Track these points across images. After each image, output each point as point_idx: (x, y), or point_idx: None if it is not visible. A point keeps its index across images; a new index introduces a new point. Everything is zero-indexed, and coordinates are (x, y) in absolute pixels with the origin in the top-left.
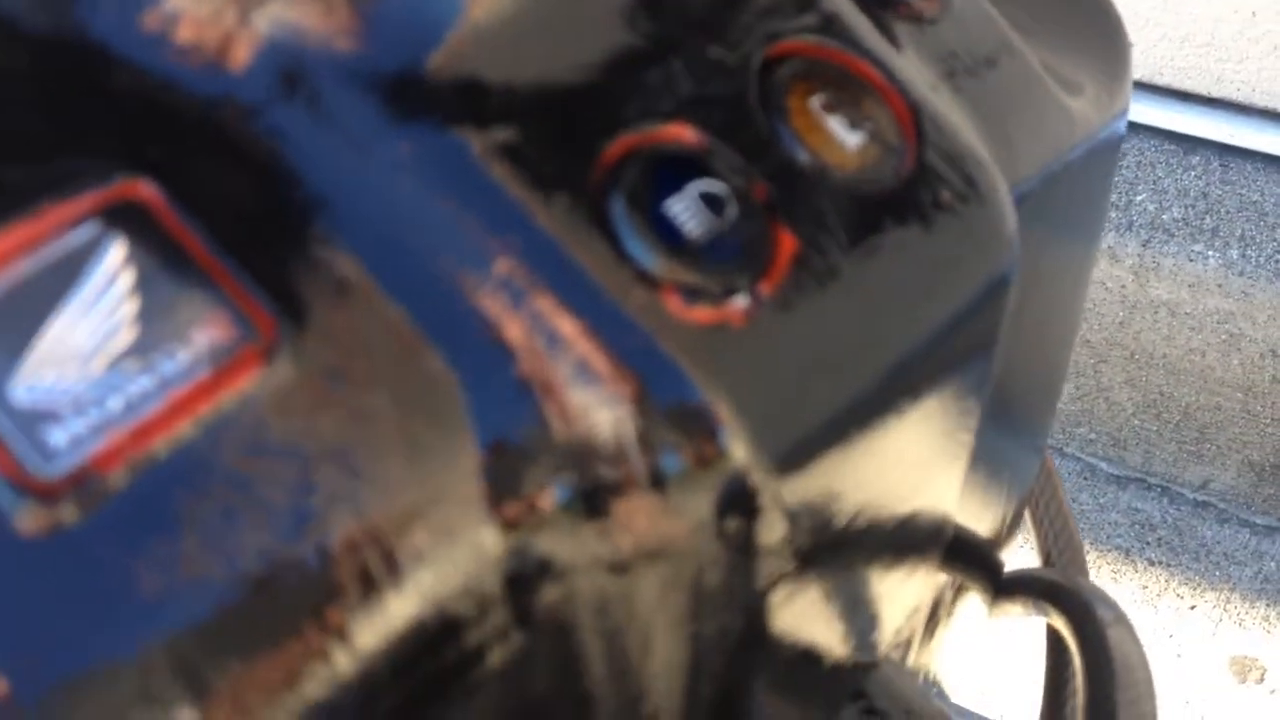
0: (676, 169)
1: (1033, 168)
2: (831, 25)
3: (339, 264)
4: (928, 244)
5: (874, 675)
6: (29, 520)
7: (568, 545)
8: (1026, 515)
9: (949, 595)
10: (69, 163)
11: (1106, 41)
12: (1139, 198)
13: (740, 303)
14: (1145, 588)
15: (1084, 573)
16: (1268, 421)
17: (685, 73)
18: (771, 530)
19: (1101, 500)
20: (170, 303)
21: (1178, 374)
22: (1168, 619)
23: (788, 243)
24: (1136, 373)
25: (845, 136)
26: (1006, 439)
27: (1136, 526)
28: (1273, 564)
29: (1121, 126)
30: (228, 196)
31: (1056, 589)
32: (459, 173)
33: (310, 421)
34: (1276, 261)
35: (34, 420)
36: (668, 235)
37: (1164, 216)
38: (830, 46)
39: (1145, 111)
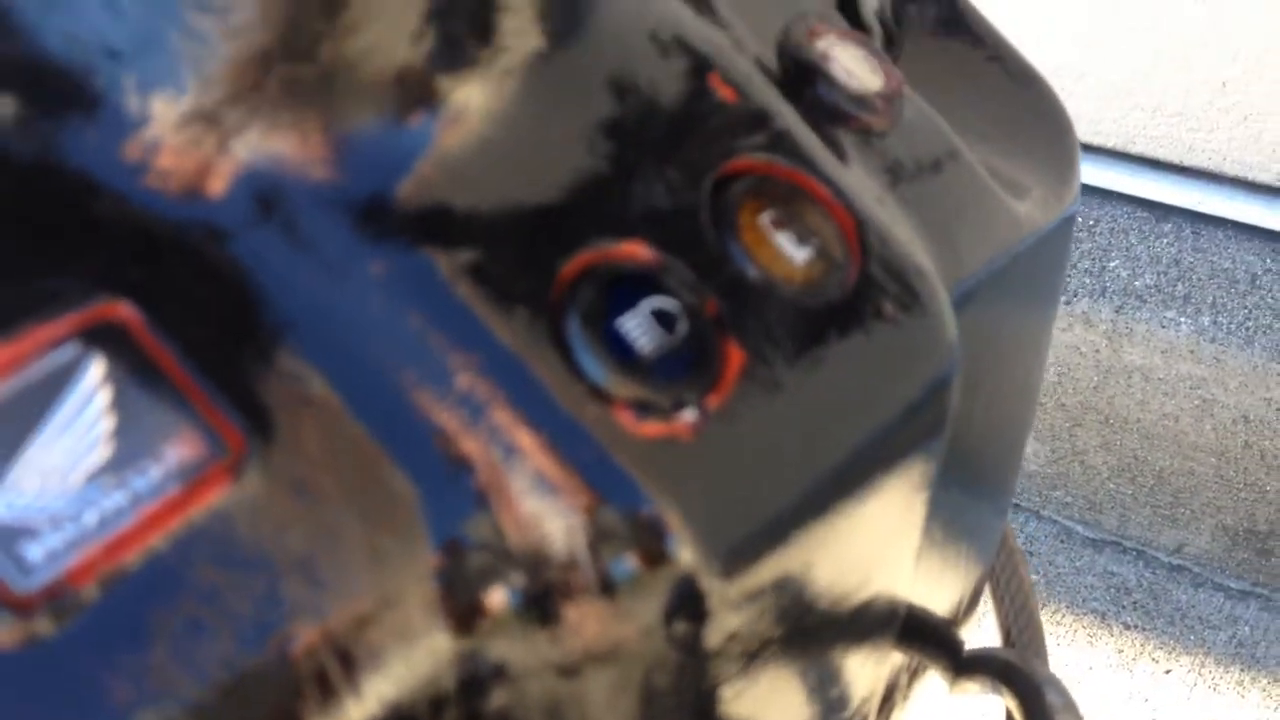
0: (631, 285)
1: (976, 265)
2: (781, 143)
3: (307, 381)
4: (870, 353)
5: None
6: (4, 633)
7: (519, 648)
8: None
9: (904, 677)
10: (51, 284)
11: (1056, 143)
12: (1112, 264)
13: (689, 416)
14: (1121, 651)
15: (1042, 652)
16: (1240, 487)
17: (642, 192)
18: (720, 632)
19: (1077, 563)
20: (144, 420)
21: (1152, 439)
22: (1143, 683)
23: (735, 356)
24: (1111, 437)
25: (793, 252)
26: (968, 506)
27: (1112, 590)
28: (1247, 628)
29: (1073, 213)
30: (203, 316)
31: (1010, 670)
32: (426, 292)
33: (276, 534)
34: (1247, 328)
35: (12, 536)
36: (621, 351)
37: (1137, 283)
38: (779, 164)
39: (1118, 179)
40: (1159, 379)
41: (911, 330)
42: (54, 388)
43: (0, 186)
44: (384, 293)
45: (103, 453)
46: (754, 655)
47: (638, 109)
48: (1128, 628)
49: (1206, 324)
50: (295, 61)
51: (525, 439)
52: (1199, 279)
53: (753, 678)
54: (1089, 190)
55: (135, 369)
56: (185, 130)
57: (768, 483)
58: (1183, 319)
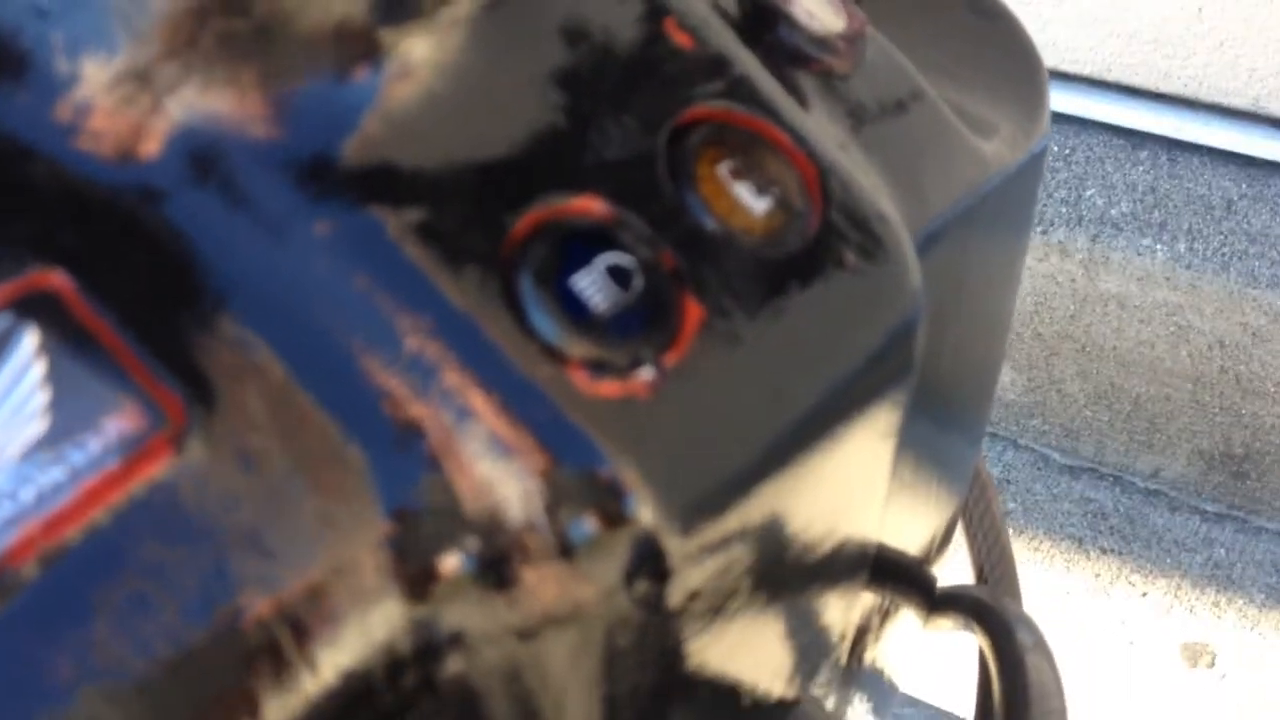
0: (585, 241)
1: (942, 206)
2: (739, 89)
3: (249, 348)
4: (832, 302)
5: (795, 712)
6: None
7: (475, 614)
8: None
9: (876, 618)
10: None
11: (1024, 78)
12: (1088, 193)
13: (645, 375)
14: (1098, 575)
15: (1015, 590)
16: (1216, 411)
17: (595, 144)
18: (683, 589)
19: (1055, 490)
20: (81, 392)
21: (1128, 366)
22: (1120, 606)
23: (693, 312)
24: (1087, 365)
25: (752, 203)
26: (940, 442)
27: (1089, 515)
28: (1222, 550)
29: (1043, 149)
30: (139, 283)
31: (981, 609)
32: (373, 252)
33: (221, 505)
34: (1223, 255)
35: None
36: (575, 309)
37: (1112, 211)
38: (738, 111)
39: (1093, 107)
40: (1135, 306)
41: (874, 278)
42: None
43: None
44: (329, 253)
45: (39, 427)
46: (719, 609)
47: (590, 57)
48: (1104, 552)
49: (1182, 250)
50: (230, 15)
51: (477, 401)
52: (1175, 206)
53: (720, 631)
54: (1064, 119)
55: (70, 339)
56: (117, 90)
57: (728, 438)
58: (1158, 246)
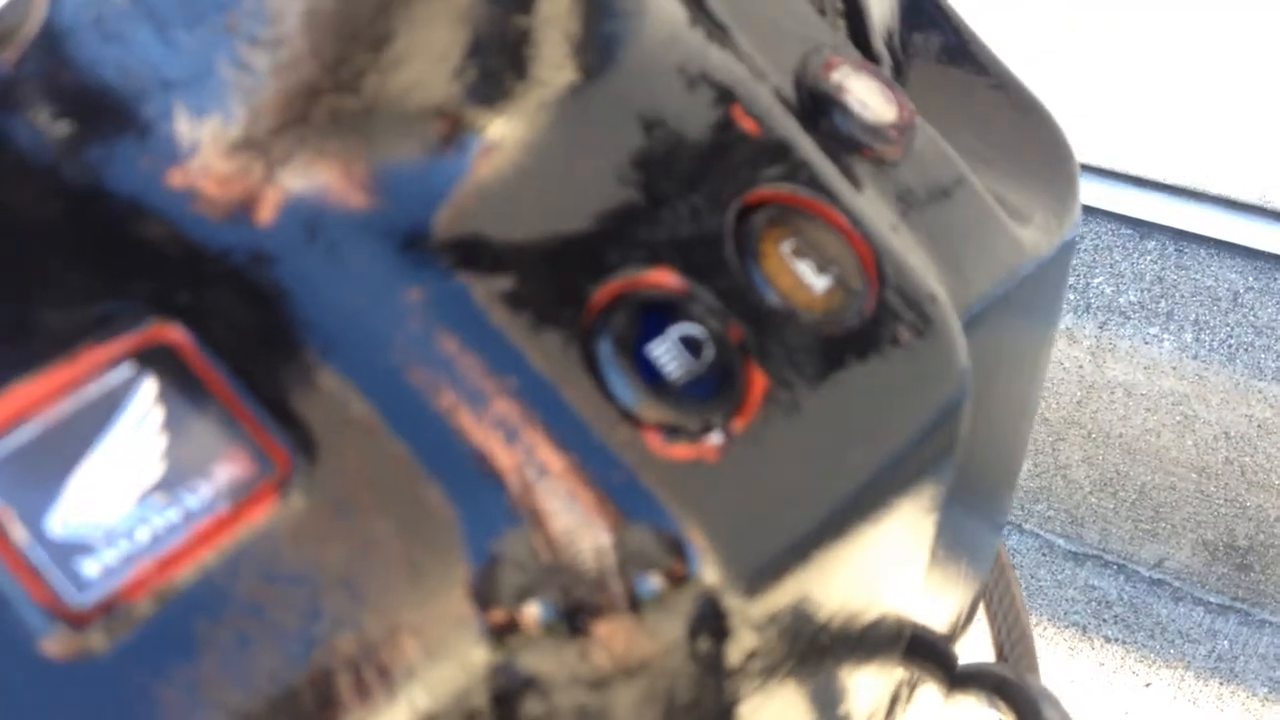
0: (660, 312)
1: (983, 290)
2: (801, 173)
3: (348, 401)
4: (886, 378)
5: None
6: (59, 645)
7: (549, 662)
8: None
9: (905, 690)
10: (105, 307)
11: (1057, 170)
12: (1096, 281)
13: (715, 439)
14: (1102, 664)
15: (1034, 667)
16: (1220, 502)
17: (669, 221)
18: (740, 649)
19: (1059, 577)
20: (195, 439)
21: (1134, 453)
22: (1124, 696)
23: (759, 381)
24: (1094, 451)
25: (813, 280)
26: (968, 523)
27: (1093, 603)
28: (1225, 643)
29: (1073, 238)
30: (249, 338)
31: (1007, 685)
32: (462, 317)
33: (320, 551)
34: (1229, 346)
35: (69, 551)
36: (650, 376)
37: (1120, 300)
38: (800, 194)
39: (1102, 196)
40: (1141, 394)
41: (926, 355)
42: (109, 407)
43: (55, 211)
44: (421, 316)
45: (155, 471)
46: (771, 672)
47: (665, 140)
48: (1108, 641)
49: (1189, 341)
50: (340, 94)
51: (557, 461)
52: (1182, 296)
53: (769, 694)
54: None
55: (186, 389)
56: (233, 158)
57: (789, 504)
58: (1165, 335)
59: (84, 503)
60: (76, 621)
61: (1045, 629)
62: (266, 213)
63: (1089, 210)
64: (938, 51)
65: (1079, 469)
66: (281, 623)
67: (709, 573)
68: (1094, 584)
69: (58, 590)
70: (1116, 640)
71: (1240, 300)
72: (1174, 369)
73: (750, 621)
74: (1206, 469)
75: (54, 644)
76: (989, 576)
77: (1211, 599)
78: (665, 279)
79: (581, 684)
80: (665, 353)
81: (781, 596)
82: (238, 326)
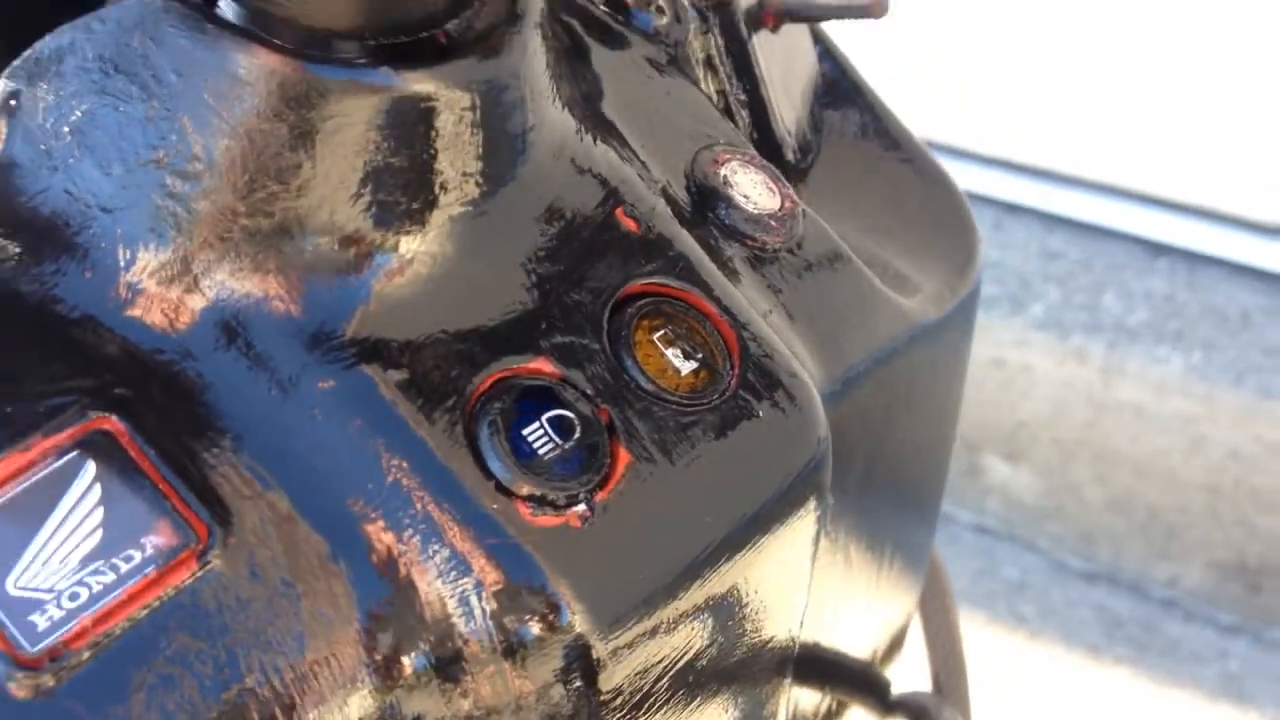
0: (535, 397)
1: (859, 357)
2: (675, 268)
3: (261, 481)
4: (744, 448)
5: None
6: (19, 687)
7: (432, 703)
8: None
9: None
10: (54, 402)
11: (957, 238)
12: (1106, 300)
13: (579, 509)
14: (1113, 684)
15: (964, 697)
16: (1231, 522)
17: (550, 316)
18: (609, 683)
19: (1071, 596)
20: (128, 512)
21: (1144, 474)
22: (1135, 716)
23: (623, 457)
24: (1105, 471)
25: (680, 364)
26: (892, 526)
27: (1104, 623)
28: (1235, 663)
29: (972, 294)
30: (176, 426)
31: (925, 714)
32: (366, 404)
33: (234, 607)
34: (1239, 367)
35: (24, 609)
36: (524, 454)
37: (1130, 319)
38: (672, 286)
39: (1114, 215)
40: (1151, 415)
41: (782, 426)
42: (57, 487)
43: (12, 322)
44: (329, 404)
45: (94, 540)
46: (641, 705)
47: (552, 243)
48: (1120, 660)
49: (1198, 361)
50: (254, 217)
51: (443, 528)
52: (1192, 316)
53: (644, 716)
54: (1085, 227)
55: (121, 471)
56: (163, 272)
57: (646, 561)
58: (1175, 356)
59: (35, 568)
60: (30, 666)
61: (1056, 648)
62: (189, 318)
63: (1100, 230)
64: (855, 128)
65: (1091, 489)
66: (201, 669)
67: (576, 621)
68: (1106, 604)
69: (15, 641)
70: (1128, 660)
71: (1250, 321)
72: (1183, 390)
73: (615, 659)
74: (1217, 489)
75: (16, 687)
76: (928, 605)
77: (1222, 619)
78: (541, 367)
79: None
80: (535, 434)
81: (641, 635)
82: (166, 416)
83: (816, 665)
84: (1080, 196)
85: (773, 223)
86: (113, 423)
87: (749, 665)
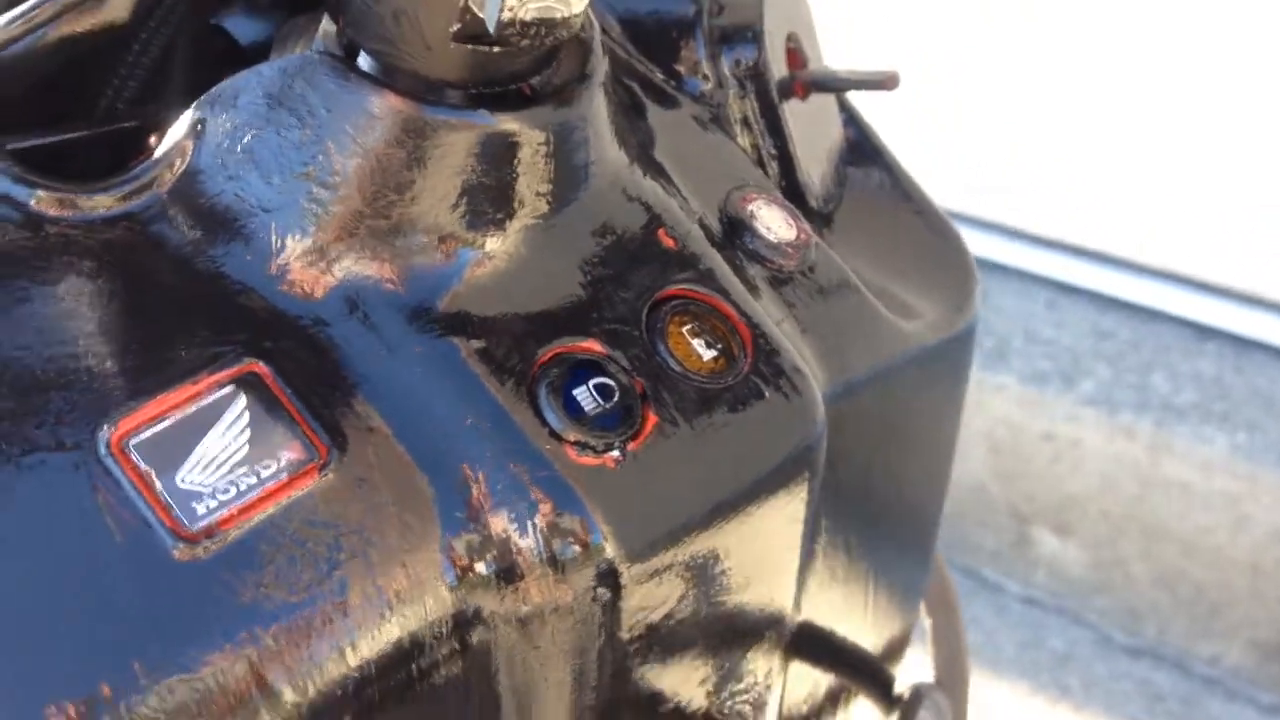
0: (585, 369)
1: (860, 366)
2: (704, 278)
3: (371, 416)
4: (752, 423)
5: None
6: (181, 554)
7: (493, 601)
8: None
9: (840, 701)
10: (217, 349)
11: (957, 280)
12: (1155, 379)
13: (614, 454)
14: None
15: (963, 699)
16: (1274, 602)
17: (603, 308)
18: (631, 601)
19: (1115, 669)
20: (269, 434)
21: (1190, 550)
22: None
23: (651, 419)
24: (1151, 547)
25: (703, 352)
26: (885, 547)
27: (1147, 698)
28: None
29: (966, 332)
30: (310, 374)
31: (919, 694)
32: (449, 365)
33: (343, 508)
34: (1279, 448)
35: (187, 498)
36: (573, 410)
37: (1177, 399)
38: (701, 292)
39: (1166, 298)
40: (1197, 493)
41: (785, 409)
42: (217, 412)
43: (190, 287)
44: (422, 364)
45: (242, 452)
46: (656, 626)
47: (605, 253)
48: None
49: (1242, 441)
50: (376, 219)
51: (507, 462)
52: (1238, 398)
53: (660, 648)
54: (1136, 309)
55: (265, 403)
56: (305, 258)
57: (667, 502)
58: (1220, 435)
59: (198, 469)
60: (190, 539)
61: None
62: (321, 292)
63: (1151, 313)
64: (873, 184)
65: (1137, 564)
66: (315, 550)
67: (607, 545)
68: (1149, 679)
69: (180, 520)
70: None
71: None
72: (1228, 469)
73: (636, 580)
74: (1260, 568)
75: (179, 554)
76: (936, 617)
77: (1263, 698)
78: (592, 347)
79: (517, 618)
80: (583, 395)
81: (660, 564)
82: (302, 365)
83: (820, 647)
84: (1131, 279)
85: (789, 249)
86: (261, 367)
87: (745, 619)
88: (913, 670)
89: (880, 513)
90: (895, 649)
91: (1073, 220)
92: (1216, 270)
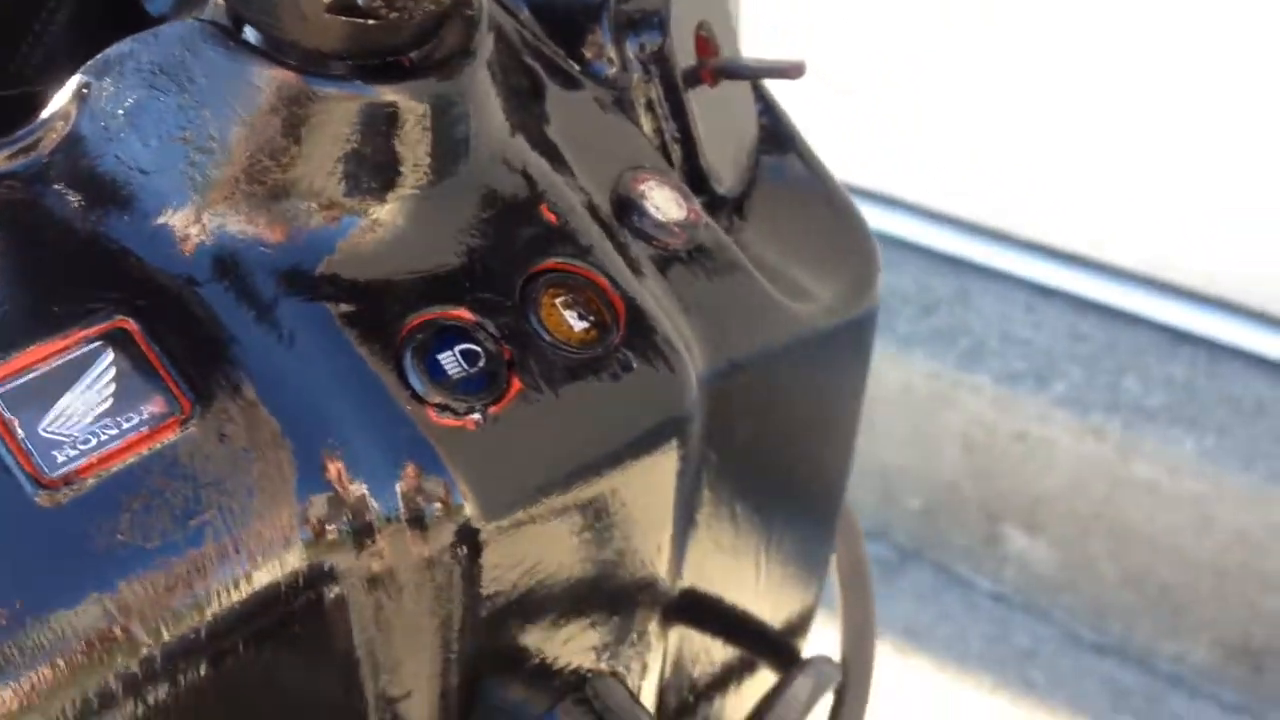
0: (452, 335)
1: (745, 349)
2: (583, 252)
3: (237, 375)
4: (618, 393)
5: (596, 681)
6: (41, 500)
7: (347, 560)
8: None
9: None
10: (89, 305)
11: (859, 264)
12: (1126, 382)
13: (474, 417)
14: None
15: (867, 671)
16: (1237, 603)
17: (475, 278)
18: (491, 557)
19: (1080, 666)
20: (133, 388)
21: (1157, 551)
22: None
23: (516, 384)
24: (1118, 547)
25: (575, 323)
26: (783, 529)
27: (1111, 694)
28: None
29: (865, 316)
30: (178, 332)
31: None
32: (320, 326)
33: (203, 463)
34: (1249, 452)
35: (49, 446)
36: (438, 374)
37: (1148, 401)
38: (577, 265)
39: (1141, 303)
40: (1165, 494)
41: (654, 382)
42: (84, 365)
43: (68, 247)
44: (291, 326)
45: (106, 405)
46: (520, 585)
47: (485, 224)
48: None
49: (1211, 445)
50: (252, 184)
51: (369, 422)
52: (1208, 402)
53: (523, 607)
54: (1112, 312)
55: (132, 358)
56: (181, 220)
57: (527, 463)
58: (1188, 438)
59: (61, 419)
60: (50, 486)
61: (1062, 714)
62: (195, 252)
63: (1127, 316)
64: (786, 171)
65: (1105, 563)
66: (173, 500)
67: (466, 503)
68: (1114, 676)
69: (40, 467)
70: None
71: (1265, 409)
72: (1195, 471)
73: (496, 539)
74: (1223, 570)
75: (39, 500)
76: (851, 590)
77: (1226, 697)
78: (461, 314)
79: (372, 575)
80: (449, 360)
81: (521, 523)
82: (171, 323)
83: (705, 613)
84: (1106, 283)
85: (676, 229)
86: (131, 324)
87: (616, 582)
88: (818, 644)
89: (772, 491)
90: (795, 622)
91: (1036, 224)
92: (1191, 276)
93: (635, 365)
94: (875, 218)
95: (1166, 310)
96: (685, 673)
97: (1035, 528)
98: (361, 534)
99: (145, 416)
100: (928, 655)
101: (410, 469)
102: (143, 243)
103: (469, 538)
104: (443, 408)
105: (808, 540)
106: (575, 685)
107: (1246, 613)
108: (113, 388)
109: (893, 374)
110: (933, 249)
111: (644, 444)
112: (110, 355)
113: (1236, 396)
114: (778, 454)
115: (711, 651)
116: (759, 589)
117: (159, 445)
